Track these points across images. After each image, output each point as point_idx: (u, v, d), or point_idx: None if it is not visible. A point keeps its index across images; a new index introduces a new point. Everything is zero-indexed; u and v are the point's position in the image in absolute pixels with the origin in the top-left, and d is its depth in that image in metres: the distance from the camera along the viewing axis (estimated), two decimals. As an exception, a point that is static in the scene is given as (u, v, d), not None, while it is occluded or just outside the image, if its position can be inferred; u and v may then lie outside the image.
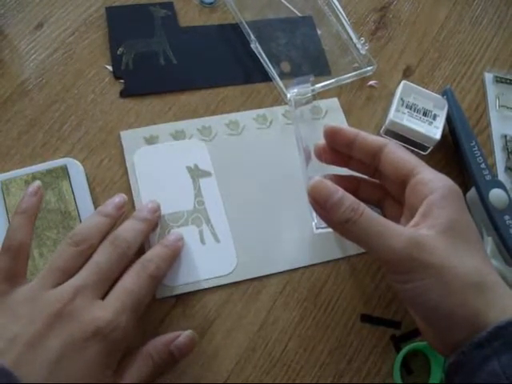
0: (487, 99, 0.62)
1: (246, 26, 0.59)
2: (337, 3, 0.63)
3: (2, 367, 0.33)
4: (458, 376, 0.37)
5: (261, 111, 0.56)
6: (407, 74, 0.62)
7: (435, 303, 0.37)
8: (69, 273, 0.39)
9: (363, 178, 0.48)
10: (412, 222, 0.40)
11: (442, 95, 0.58)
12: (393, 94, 0.58)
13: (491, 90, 0.63)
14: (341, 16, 0.63)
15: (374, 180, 0.48)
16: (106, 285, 0.40)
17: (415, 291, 0.37)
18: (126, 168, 0.50)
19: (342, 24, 0.63)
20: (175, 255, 0.46)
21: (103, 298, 0.39)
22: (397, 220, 0.43)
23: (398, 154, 0.43)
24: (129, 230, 0.43)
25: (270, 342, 0.46)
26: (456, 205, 0.40)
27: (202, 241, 0.48)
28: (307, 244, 0.50)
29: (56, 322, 0.36)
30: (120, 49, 0.57)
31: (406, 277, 0.37)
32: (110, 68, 0.56)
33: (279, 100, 0.57)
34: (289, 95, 0.54)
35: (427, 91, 0.58)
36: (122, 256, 0.41)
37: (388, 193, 0.46)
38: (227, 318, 0.46)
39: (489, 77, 0.64)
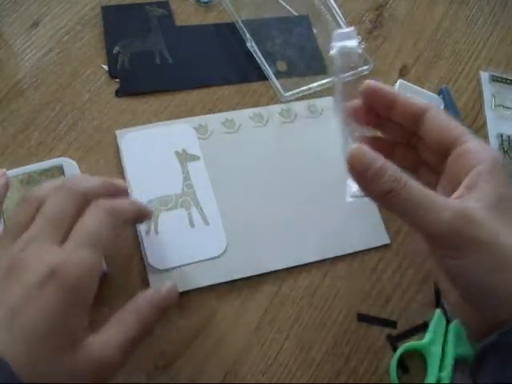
0: (483, 98, 0.62)
1: (242, 25, 0.59)
2: (333, 2, 0.63)
3: None
4: (499, 357, 0.35)
5: (257, 110, 0.56)
6: (403, 73, 0.62)
7: (482, 280, 0.35)
8: (22, 229, 0.37)
9: (397, 142, 0.45)
10: (456, 194, 0.37)
11: (438, 94, 0.58)
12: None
13: (487, 89, 0.63)
14: (337, 15, 0.63)
15: (409, 147, 0.44)
16: (60, 230, 0.36)
17: (463, 267, 0.35)
18: (122, 167, 0.50)
19: (339, 23, 0.63)
20: (134, 201, 0.44)
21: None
22: (432, 190, 0.39)
23: (442, 119, 0.40)
24: (82, 178, 0.41)
25: (267, 342, 0.46)
26: (502, 179, 0.37)
27: (192, 224, 0.49)
28: (304, 242, 0.50)
29: (10, 275, 0.34)
30: (116, 48, 0.57)
31: (454, 252, 0.35)
32: (105, 67, 0.56)
33: (275, 99, 0.57)
34: (333, 50, 0.46)
35: (423, 90, 0.58)
36: (72, 196, 0.38)
37: (423, 160, 0.44)
38: (223, 317, 0.46)
39: (485, 76, 0.64)
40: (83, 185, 0.39)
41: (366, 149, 0.36)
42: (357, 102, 0.44)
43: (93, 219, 0.37)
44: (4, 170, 0.42)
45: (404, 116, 0.42)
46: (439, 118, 0.40)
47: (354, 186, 0.41)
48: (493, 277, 0.35)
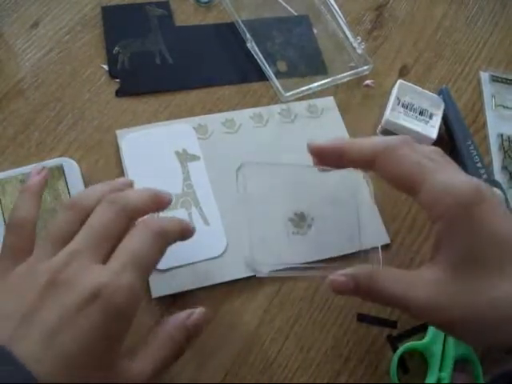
0: (483, 98, 0.62)
1: (242, 25, 0.59)
2: (333, 2, 0.63)
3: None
4: None
5: (257, 110, 0.56)
6: (403, 73, 0.62)
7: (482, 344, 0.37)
8: (64, 240, 0.35)
9: None
10: (430, 255, 0.37)
11: (438, 94, 0.58)
12: (389, 94, 0.58)
13: (487, 89, 0.63)
14: (337, 15, 0.63)
15: None
16: (105, 247, 0.35)
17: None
18: (122, 167, 0.50)
19: (339, 23, 0.63)
20: (181, 221, 0.41)
21: (105, 262, 0.35)
22: None
23: (391, 170, 0.38)
24: (130, 191, 0.39)
25: (267, 342, 0.46)
26: (469, 226, 0.34)
27: (192, 224, 0.48)
28: (304, 242, 0.50)
29: (50, 292, 0.32)
30: (116, 48, 0.57)
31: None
32: (105, 67, 0.56)
33: (275, 99, 0.57)
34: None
35: (423, 90, 0.58)
36: (120, 213, 0.36)
37: None
38: (223, 317, 0.46)
39: (485, 76, 0.64)
40: (132, 200, 0.37)
41: (337, 277, 0.38)
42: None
43: (140, 240, 0.35)
44: (43, 164, 0.41)
45: (356, 166, 0.42)
46: (388, 166, 0.38)
47: None
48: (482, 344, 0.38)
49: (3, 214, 0.45)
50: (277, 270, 0.43)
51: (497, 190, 0.52)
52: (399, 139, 0.39)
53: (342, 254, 0.49)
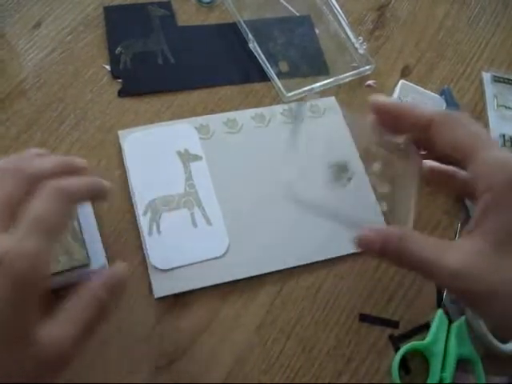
0: (485, 99, 0.62)
1: (244, 26, 0.59)
2: (335, 2, 0.63)
3: None
4: None
5: (259, 110, 0.56)
6: (405, 73, 0.62)
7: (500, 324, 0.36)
8: None
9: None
10: (469, 226, 0.36)
11: (440, 95, 0.58)
12: (391, 94, 0.59)
13: (489, 89, 0.63)
14: (339, 15, 0.63)
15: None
16: (7, 216, 0.33)
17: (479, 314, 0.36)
18: (124, 167, 0.50)
19: (340, 23, 0.63)
20: (89, 179, 0.38)
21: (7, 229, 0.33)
22: None
23: (447, 132, 0.37)
24: (40, 159, 0.37)
25: (269, 342, 0.46)
26: None
27: (194, 224, 0.49)
28: (305, 242, 0.50)
29: None
30: (118, 48, 0.57)
31: (464, 303, 0.36)
32: (108, 67, 0.56)
33: (277, 99, 0.57)
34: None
35: (425, 91, 0.58)
36: (20, 180, 0.35)
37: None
38: (225, 317, 0.46)
39: (487, 76, 0.64)
40: (34, 165, 0.36)
41: (367, 233, 0.37)
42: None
43: (41, 203, 0.34)
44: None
45: (413, 131, 0.40)
46: (444, 132, 0.38)
47: None
48: (505, 323, 0.35)
49: None
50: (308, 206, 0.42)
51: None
52: (457, 112, 0.39)
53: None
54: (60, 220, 0.34)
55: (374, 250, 0.37)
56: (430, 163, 0.43)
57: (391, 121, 0.41)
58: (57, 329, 0.33)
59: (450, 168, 0.43)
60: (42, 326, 0.32)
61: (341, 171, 0.48)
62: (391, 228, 0.37)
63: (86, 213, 0.47)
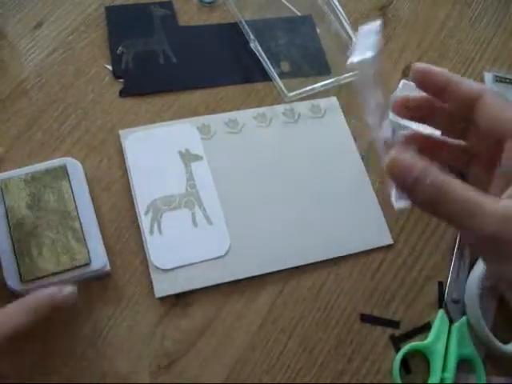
0: (487, 99, 0.62)
1: (246, 26, 0.59)
2: (336, 2, 0.63)
3: None
4: None
5: (260, 110, 0.56)
6: (407, 73, 0.62)
7: None
8: None
9: (446, 139, 0.42)
10: (509, 191, 0.34)
11: (442, 95, 0.58)
12: (392, 94, 0.58)
13: (491, 89, 0.63)
14: (340, 15, 0.63)
15: (458, 142, 0.41)
16: None
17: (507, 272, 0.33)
18: (125, 167, 0.50)
19: (342, 23, 0.63)
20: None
21: None
22: (484, 188, 0.36)
23: (496, 106, 0.36)
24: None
25: (270, 342, 0.46)
26: None
27: (195, 223, 0.49)
28: (307, 242, 0.50)
29: None
30: (119, 48, 0.57)
31: (496, 257, 0.33)
32: (109, 67, 0.56)
33: (279, 99, 0.57)
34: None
35: (427, 91, 0.57)
36: None
37: (475, 157, 0.40)
38: (226, 317, 0.46)
39: (488, 76, 0.63)
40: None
41: (404, 156, 0.34)
42: (401, 96, 0.41)
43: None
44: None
45: (456, 103, 0.39)
46: (493, 105, 0.37)
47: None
48: None
49: (7, 213, 0.45)
50: None
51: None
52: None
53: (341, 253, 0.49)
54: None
55: (407, 179, 0.33)
56: (422, 133, 0.43)
57: (436, 89, 0.39)
58: None
59: (442, 137, 0.42)
60: None
61: None
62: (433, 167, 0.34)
63: (87, 212, 0.47)
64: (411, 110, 0.42)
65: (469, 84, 0.38)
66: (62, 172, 0.48)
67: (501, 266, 0.33)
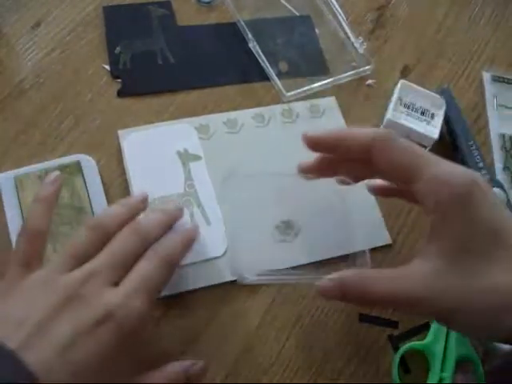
0: (485, 98, 0.62)
1: (244, 26, 0.59)
2: (335, 2, 0.63)
3: (3, 346, 0.31)
4: None
5: (259, 110, 0.56)
6: (405, 73, 0.62)
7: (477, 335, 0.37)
8: (84, 258, 0.37)
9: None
10: (422, 248, 0.37)
11: (440, 94, 0.58)
12: (391, 94, 0.58)
13: (489, 89, 0.63)
14: (339, 15, 0.63)
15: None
16: (121, 271, 0.37)
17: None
18: (124, 167, 0.50)
19: (340, 23, 0.63)
20: (186, 237, 0.43)
21: (118, 285, 0.37)
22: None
23: (388, 157, 0.38)
24: (149, 219, 0.41)
25: (268, 342, 0.46)
26: (462, 216, 0.35)
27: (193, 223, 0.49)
28: (305, 242, 0.50)
29: (66, 306, 0.34)
30: (117, 48, 0.57)
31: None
32: (107, 67, 0.56)
33: (277, 99, 0.57)
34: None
35: (425, 90, 0.58)
36: (139, 244, 0.39)
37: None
38: (225, 317, 0.46)
39: (487, 76, 0.64)
40: (152, 231, 0.40)
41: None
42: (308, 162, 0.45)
43: (151, 266, 0.38)
44: (57, 172, 0.42)
45: (353, 155, 0.41)
46: (385, 154, 0.38)
47: None
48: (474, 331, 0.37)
49: (21, 209, 0.46)
50: (261, 277, 0.45)
51: (498, 190, 0.52)
52: (393, 132, 0.40)
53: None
54: (162, 283, 0.39)
55: (336, 297, 0.37)
56: (374, 182, 0.45)
57: (331, 150, 0.42)
58: None
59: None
60: (133, 379, 0.36)
61: (286, 228, 0.50)
62: (347, 272, 0.37)
63: (101, 208, 0.47)
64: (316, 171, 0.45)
65: (357, 135, 0.40)
66: (76, 168, 0.48)
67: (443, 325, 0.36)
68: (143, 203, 0.43)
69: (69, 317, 0.34)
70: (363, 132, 0.40)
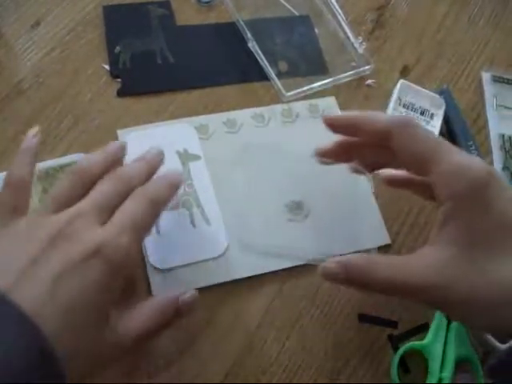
0: (485, 99, 0.62)
1: (244, 25, 0.59)
2: (334, 2, 0.63)
3: None
4: None
5: (258, 110, 0.56)
6: (405, 73, 0.62)
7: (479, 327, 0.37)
8: (69, 201, 0.38)
9: (413, 177, 0.44)
10: (431, 234, 0.37)
11: (440, 95, 0.58)
12: (390, 94, 0.58)
13: (489, 89, 0.63)
14: (338, 15, 0.63)
15: (421, 178, 0.42)
16: (106, 213, 0.37)
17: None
18: (123, 167, 0.50)
19: (340, 23, 0.63)
20: (170, 179, 0.42)
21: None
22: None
23: (407, 141, 0.38)
24: (131, 166, 0.42)
25: (268, 342, 0.46)
26: (477, 207, 0.35)
27: (193, 223, 0.49)
28: (304, 242, 0.50)
29: (55, 242, 0.34)
30: (117, 48, 0.57)
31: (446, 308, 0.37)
32: (107, 67, 0.56)
33: (276, 99, 0.57)
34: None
35: (424, 90, 0.58)
36: (123, 187, 0.39)
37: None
38: (224, 317, 0.46)
39: (486, 76, 0.64)
40: (135, 176, 0.40)
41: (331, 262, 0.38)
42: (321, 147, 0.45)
43: (136, 206, 0.38)
44: (38, 127, 0.43)
45: (371, 139, 0.41)
46: (404, 140, 0.38)
47: None
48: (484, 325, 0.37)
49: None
50: (268, 248, 0.45)
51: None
52: (412, 119, 0.40)
53: (337, 253, 0.49)
54: (150, 223, 0.39)
55: (339, 280, 0.37)
56: (386, 172, 0.45)
57: (349, 133, 0.42)
58: (132, 323, 0.37)
59: (407, 175, 0.44)
60: (119, 315, 0.36)
61: (296, 208, 0.50)
62: (353, 256, 0.37)
63: None
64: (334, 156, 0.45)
65: (376, 120, 0.40)
66: None
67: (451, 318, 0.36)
68: (122, 150, 0.43)
69: (56, 254, 0.34)
70: (384, 117, 0.40)
